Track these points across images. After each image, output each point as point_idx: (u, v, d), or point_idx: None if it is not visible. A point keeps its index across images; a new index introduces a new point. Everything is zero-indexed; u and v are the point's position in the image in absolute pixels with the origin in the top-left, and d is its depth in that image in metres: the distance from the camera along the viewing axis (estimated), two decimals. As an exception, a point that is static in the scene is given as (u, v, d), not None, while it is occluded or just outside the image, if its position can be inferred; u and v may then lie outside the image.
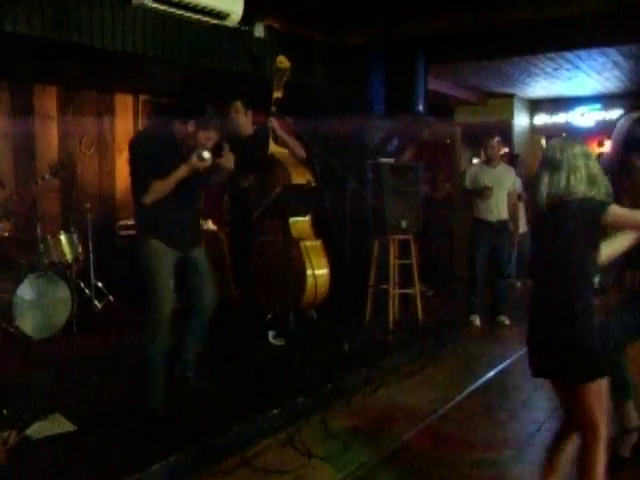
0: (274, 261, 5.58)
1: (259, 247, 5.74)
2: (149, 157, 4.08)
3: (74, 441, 3.78)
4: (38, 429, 3.85)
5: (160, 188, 4.05)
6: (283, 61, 5.64)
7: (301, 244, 5.60)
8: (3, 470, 3.37)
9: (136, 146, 4.24)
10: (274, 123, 5.58)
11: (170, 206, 4.14)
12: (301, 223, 5.71)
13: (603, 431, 2.85)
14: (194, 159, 4.04)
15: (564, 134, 10.81)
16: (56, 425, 3.94)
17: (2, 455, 3.40)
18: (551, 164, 2.92)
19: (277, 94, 5.63)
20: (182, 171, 4.06)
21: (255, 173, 5.62)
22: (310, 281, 5.54)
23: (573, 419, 2.97)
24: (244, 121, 5.75)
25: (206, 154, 4.06)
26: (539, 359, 2.99)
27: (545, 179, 2.91)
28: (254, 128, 5.80)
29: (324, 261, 5.72)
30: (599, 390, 2.83)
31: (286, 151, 5.73)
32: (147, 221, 4.20)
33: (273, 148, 5.69)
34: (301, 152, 5.69)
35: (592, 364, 2.82)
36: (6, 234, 6.12)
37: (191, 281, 4.39)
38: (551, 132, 11.66)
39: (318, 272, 5.62)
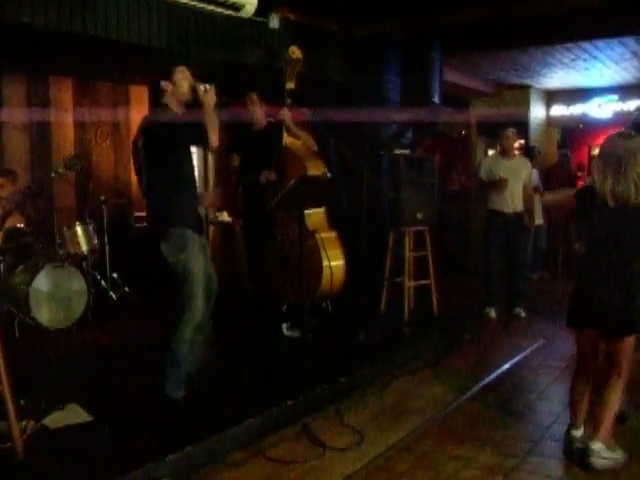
0: (289, 253, 5.58)
1: (274, 239, 5.74)
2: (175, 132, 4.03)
3: (90, 431, 3.81)
4: (55, 419, 3.88)
5: (212, 125, 4.06)
6: (295, 52, 5.61)
7: (316, 235, 5.59)
8: (20, 459, 3.40)
9: (156, 129, 4.06)
10: (286, 114, 5.56)
11: (185, 189, 4.12)
12: (316, 215, 5.69)
13: (626, 373, 3.63)
14: (201, 97, 4.07)
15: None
16: (72, 415, 3.97)
17: (20, 444, 3.42)
18: (615, 162, 3.41)
19: (290, 85, 5.61)
20: (208, 108, 4.06)
21: (271, 167, 5.61)
22: (326, 272, 5.54)
23: (591, 365, 3.74)
24: (259, 113, 5.75)
25: (201, 87, 4.10)
26: (589, 313, 3.61)
27: (609, 178, 3.40)
28: (267, 120, 5.79)
29: (339, 252, 5.71)
30: (633, 342, 3.60)
31: (300, 143, 5.71)
32: (174, 210, 4.05)
33: (287, 140, 5.68)
34: (312, 145, 5.67)
35: (637, 321, 3.55)
36: (20, 225, 6.15)
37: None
38: (568, 123, 11.60)
39: (334, 263, 5.61)
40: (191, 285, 3.99)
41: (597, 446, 3.60)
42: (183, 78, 4.13)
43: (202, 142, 4.17)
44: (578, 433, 3.79)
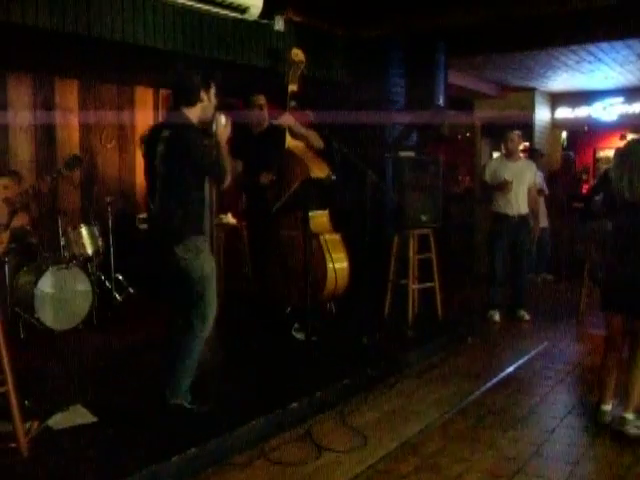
0: (293, 255, 5.58)
1: (278, 241, 5.74)
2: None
3: (94, 432, 3.81)
4: (59, 420, 3.89)
5: (227, 164, 3.94)
6: (298, 54, 5.61)
7: (321, 238, 5.59)
8: (25, 459, 3.41)
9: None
10: (288, 120, 5.55)
11: (204, 197, 4.09)
12: (320, 217, 5.69)
13: None
14: (219, 129, 3.94)
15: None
16: (77, 416, 3.98)
17: (24, 445, 3.44)
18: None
19: (292, 87, 5.60)
20: (223, 148, 3.92)
21: (274, 169, 5.61)
22: (331, 274, 5.54)
23: (619, 346, 4.29)
24: (264, 115, 5.75)
25: (223, 119, 3.96)
26: (619, 299, 4.14)
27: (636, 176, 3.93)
28: (270, 123, 5.79)
29: (343, 255, 5.71)
30: None
31: (303, 145, 5.71)
32: (196, 219, 3.97)
33: (290, 143, 5.68)
34: (319, 142, 5.66)
35: None
36: (26, 226, 6.17)
37: None
38: (573, 126, 11.58)
39: (338, 265, 5.61)
40: (206, 292, 3.93)
41: (630, 415, 4.09)
42: (213, 97, 4.00)
43: (218, 178, 4.03)
44: (608, 407, 4.29)
